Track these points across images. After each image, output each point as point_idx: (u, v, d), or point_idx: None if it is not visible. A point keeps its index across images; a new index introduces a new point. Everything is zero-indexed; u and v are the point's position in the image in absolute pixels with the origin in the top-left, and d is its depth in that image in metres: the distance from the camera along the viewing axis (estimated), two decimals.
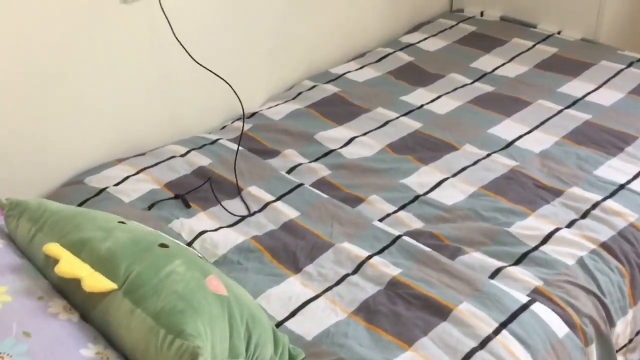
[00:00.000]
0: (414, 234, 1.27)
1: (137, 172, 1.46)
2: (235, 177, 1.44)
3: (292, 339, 1.05)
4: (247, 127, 1.65)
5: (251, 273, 1.19)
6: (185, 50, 1.48)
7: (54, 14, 1.33)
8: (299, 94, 1.81)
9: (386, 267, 1.18)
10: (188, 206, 1.37)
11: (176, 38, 1.47)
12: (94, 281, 0.87)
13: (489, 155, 1.49)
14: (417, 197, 1.38)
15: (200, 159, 1.51)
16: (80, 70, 1.41)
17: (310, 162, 1.52)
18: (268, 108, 1.76)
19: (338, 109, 1.73)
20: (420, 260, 1.19)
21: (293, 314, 1.11)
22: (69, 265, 0.90)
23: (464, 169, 1.46)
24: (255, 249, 1.25)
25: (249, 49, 1.76)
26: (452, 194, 1.38)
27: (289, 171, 1.50)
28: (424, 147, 1.54)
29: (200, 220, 1.32)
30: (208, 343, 0.83)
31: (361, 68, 1.94)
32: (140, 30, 1.49)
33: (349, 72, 1.91)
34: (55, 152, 1.44)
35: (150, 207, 1.35)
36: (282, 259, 1.23)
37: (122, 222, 1.02)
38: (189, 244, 1.24)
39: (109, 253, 0.92)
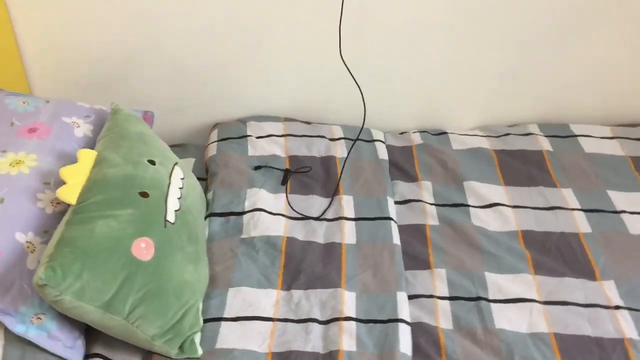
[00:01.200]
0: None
1: (282, 135, 1.55)
2: (339, 180, 1.41)
3: (209, 337, 1.07)
4: (419, 141, 1.56)
5: (251, 266, 1.20)
6: None
7: None
8: (505, 135, 1.59)
9: (347, 341, 1.06)
10: (283, 183, 1.42)
11: None
12: (65, 189, 1.05)
13: None
14: None
15: (340, 150, 1.51)
16: None
17: (431, 204, 1.38)
18: (460, 134, 1.60)
19: (524, 169, 1.47)
20: None
21: (235, 319, 1.10)
22: (71, 169, 1.09)
23: None
24: (278, 247, 1.24)
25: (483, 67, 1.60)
26: None
27: (402, 202, 1.39)
28: None
29: (275, 199, 1.36)
30: (75, 282, 0.94)
31: (613, 139, 1.57)
32: None
33: (589, 136, 1.58)
34: None
35: (256, 168, 1.45)
36: (288, 272, 1.20)
37: (152, 162, 1.16)
38: (243, 213, 1.31)
39: (101, 178, 1.08)
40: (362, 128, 1.48)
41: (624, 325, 1.12)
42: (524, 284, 1.20)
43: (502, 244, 1.29)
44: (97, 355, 1.07)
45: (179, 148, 1.58)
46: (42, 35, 1.49)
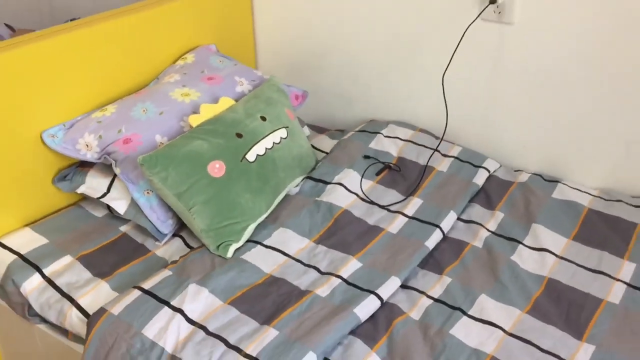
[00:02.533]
0: None
1: (405, 140, 1.78)
2: (419, 184, 1.59)
3: (243, 250, 1.41)
4: (524, 180, 1.63)
5: (306, 219, 1.49)
6: None
7: None
8: (617, 201, 1.55)
9: (323, 289, 1.29)
10: (377, 174, 1.66)
11: None
12: (194, 117, 1.50)
13: None
14: None
15: (444, 165, 1.68)
16: None
17: (488, 230, 1.47)
18: (571, 186, 1.61)
19: (605, 233, 1.45)
20: None
21: (267, 247, 1.42)
22: (208, 106, 1.54)
23: None
24: (334, 214, 1.51)
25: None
26: None
27: (465, 221, 1.52)
28: None
29: (360, 182, 1.62)
30: (162, 171, 1.37)
31: None
32: None
33: None
34: None
35: (365, 157, 1.71)
36: (328, 232, 1.47)
37: (263, 118, 1.54)
38: (329, 183, 1.60)
39: (219, 117, 1.51)
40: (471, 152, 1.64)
41: None
42: (507, 315, 1.25)
43: (520, 281, 1.34)
44: (180, 236, 1.52)
45: (339, 132, 1.95)
46: (271, 28, 2.02)
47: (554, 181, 1.64)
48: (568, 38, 1.55)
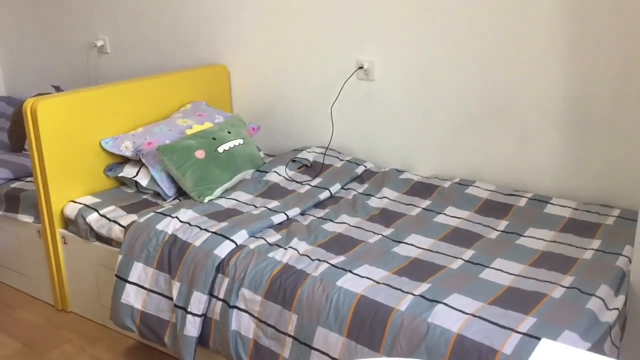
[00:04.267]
0: None
1: (324, 149, 2.88)
2: (320, 170, 2.68)
3: (213, 200, 2.46)
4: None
5: (250, 187, 2.56)
6: None
7: None
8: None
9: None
10: (298, 169, 2.75)
11: None
12: (190, 130, 2.63)
13: None
14: None
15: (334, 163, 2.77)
16: None
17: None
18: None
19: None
20: None
21: (227, 198, 2.48)
22: (199, 126, 2.67)
23: None
24: (265, 183, 2.58)
25: None
26: None
27: (345, 188, 2.60)
28: None
29: (285, 172, 2.71)
30: (169, 155, 2.47)
31: None
32: None
33: None
34: None
35: (293, 161, 2.80)
36: (265, 194, 2.53)
37: (229, 132, 2.65)
38: (266, 172, 2.68)
39: (204, 129, 2.62)
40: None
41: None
42: (353, 221, 2.30)
43: (365, 209, 2.39)
44: (179, 199, 2.58)
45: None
46: (241, 91, 3.21)
47: (403, 171, 2.73)
48: (401, 87, 2.71)
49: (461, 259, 1.98)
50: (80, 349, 2.40)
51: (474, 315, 1.64)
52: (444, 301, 1.71)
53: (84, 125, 2.59)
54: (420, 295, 1.75)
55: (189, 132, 2.68)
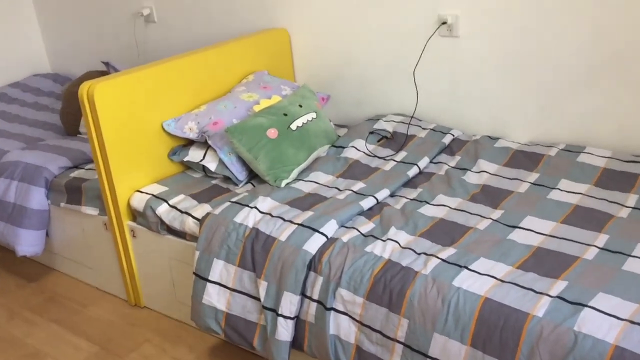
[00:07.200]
0: None
1: (399, 122, 2.61)
2: (404, 143, 2.41)
3: (291, 184, 2.23)
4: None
5: (329, 165, 2.32)
6: None
7: None
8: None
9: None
10: (378, 142, 2.48)
11: None
12: (257, 106, 2.38)
13: None
14: None
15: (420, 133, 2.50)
16: None
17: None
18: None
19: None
20: None
21: (306, 181, 2.24)
22: (268, 100, 2.42)
23: None
24: (349, 161, 2.33)
25: None
26: None
27: (434, 162, 2.33)
28: None
29: (364, 147, 2.45)
30: (238, 137, 2.23)
31: None
32: None
33: None
34: None
35: (371, 133, 2.54)
36: (344, 175, 2.28)
37: (300, 106, 2.40)
38: (344, 148, 2.43)
39: (273, 105, 2.37)
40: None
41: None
42: (452, 202, 2.04)
43: (464, 186, 2.13)
44: (251, 183, 2.36)
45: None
46: (303, 56, 2.92)
47: (496, 138, 2.44)
48: (491, 43, 2.39)
49: (595, 246, 1.71)
50: (160, 350, 2.24)
51: (632, 322, 1.39)
52: (589, 304, 1.45)
53: (144, 107, 2.36)
54: (558, 297, 1.49)
55: (256, 108, 2.44)
